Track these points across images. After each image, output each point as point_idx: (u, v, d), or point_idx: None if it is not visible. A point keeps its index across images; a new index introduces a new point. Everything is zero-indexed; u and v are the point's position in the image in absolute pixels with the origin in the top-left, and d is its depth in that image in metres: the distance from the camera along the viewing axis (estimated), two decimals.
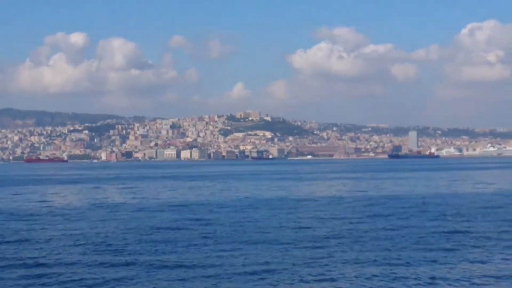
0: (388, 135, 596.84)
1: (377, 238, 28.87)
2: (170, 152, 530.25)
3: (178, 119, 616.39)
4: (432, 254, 24.84)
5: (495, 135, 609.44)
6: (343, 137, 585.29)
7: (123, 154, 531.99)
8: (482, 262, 23.30)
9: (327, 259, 23.85)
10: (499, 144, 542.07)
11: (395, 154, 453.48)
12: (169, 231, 32.12)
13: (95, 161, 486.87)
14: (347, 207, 45.28)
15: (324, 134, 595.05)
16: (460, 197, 54.63)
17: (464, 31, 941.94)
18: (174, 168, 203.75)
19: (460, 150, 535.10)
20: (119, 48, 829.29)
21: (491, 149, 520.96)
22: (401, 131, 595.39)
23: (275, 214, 40.72)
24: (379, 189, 69.81)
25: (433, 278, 20.69)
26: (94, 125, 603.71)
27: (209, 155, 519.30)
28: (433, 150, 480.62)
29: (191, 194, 64.18)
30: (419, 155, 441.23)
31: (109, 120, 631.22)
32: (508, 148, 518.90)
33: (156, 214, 41.37)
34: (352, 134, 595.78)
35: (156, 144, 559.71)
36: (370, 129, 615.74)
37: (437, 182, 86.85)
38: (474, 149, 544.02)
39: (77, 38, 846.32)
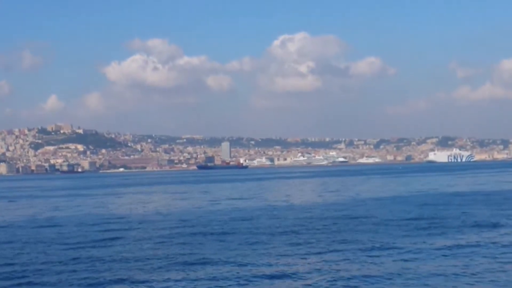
0: (202, 146, 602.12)
1: None
2: None
3: None
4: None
5: (306, 145, 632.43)
6: (157, 149, 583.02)
7: None
8: None
9: None
10: (309, 153, 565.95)
11: (204, 165, 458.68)
12: None
13: None
14: None
15: (138, 146, 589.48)
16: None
17: (276, 42, 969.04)
18: None
19: (272, 160, 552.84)
20: None
21: (301, 158, 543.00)
22: (215, 142, 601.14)
23: None
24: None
25: None
26: None
27: (17, 170, 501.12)
28: (241, 160, 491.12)
29: None
30: (228, 166, 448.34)
31: None
32: (317, 157, 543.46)
33: None
34: (167, 146, 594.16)
35: None
36: (185, 140, 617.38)
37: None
38: (285, 159, 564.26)
39: None
